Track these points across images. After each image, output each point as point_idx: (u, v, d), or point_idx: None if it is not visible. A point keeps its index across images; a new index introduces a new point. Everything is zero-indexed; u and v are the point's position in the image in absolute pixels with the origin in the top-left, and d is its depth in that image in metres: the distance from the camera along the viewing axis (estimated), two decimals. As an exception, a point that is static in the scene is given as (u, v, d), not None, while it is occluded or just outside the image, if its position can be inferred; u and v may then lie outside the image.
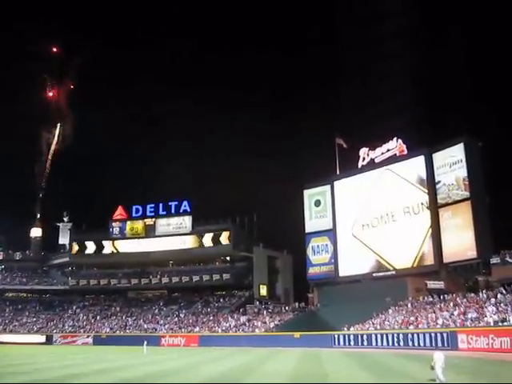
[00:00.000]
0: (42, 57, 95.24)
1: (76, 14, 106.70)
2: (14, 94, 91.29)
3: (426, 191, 53.02)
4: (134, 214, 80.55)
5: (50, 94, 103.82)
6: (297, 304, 64.69)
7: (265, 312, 63.42)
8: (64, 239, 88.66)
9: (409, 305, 48.41)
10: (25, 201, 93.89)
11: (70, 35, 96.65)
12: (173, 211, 78.18)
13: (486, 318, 37.95)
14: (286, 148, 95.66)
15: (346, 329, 48.02)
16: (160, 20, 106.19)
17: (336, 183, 62.51)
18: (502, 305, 38.97)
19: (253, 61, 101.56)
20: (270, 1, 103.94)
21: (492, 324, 36.61)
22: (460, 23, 71.47)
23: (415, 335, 40.79)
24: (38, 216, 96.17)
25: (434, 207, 52.09)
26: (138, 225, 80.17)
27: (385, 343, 42.54)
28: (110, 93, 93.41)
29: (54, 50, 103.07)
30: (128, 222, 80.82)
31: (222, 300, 73.71)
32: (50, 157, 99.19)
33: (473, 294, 44.46)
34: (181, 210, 77.59)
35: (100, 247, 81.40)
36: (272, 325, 57.83)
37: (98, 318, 75.08)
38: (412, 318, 44.60)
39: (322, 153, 68.66)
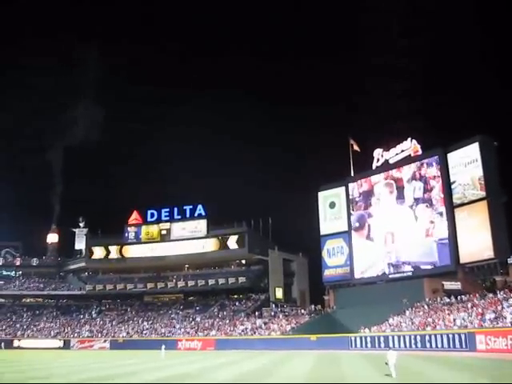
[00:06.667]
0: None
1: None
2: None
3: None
4: (149, 219, 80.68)
5: None
6: (313, 306, 64.53)
7: (281, 315, 63.24)
8: (80, 244, 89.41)
9: (425, 306, 47.98)
10: (41, 207, 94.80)
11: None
12: (188, 215, 78.17)
13: (504, 319, 37.53)
14: (300, 150, 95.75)
15: (362, 331, 47.75)
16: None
17: (350, 185, 62.23)
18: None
19: (263, 61, 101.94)
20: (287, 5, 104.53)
21: (510, 325, 36.18)
22: (474, 21, 71.13)
23: (432, 336, 40.53)
24: (54, 222, 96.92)
25: (450, 207, 51.65)
26: (154, 229, 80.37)
27: (402, 345, 42.13)
28: (122, 96, 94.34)
29: None
30: (143, 227, 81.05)
31: (237, 303, 73.68)
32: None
33: (491, 295, 44.02)
34: (196, 214, 77.61)
35: (116, 252, 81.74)
36: (288, 328, 57.72)
37: (114, 322, 75.39)
38: (429, 320, 44.22)
39: (336, 154, 68.59)
